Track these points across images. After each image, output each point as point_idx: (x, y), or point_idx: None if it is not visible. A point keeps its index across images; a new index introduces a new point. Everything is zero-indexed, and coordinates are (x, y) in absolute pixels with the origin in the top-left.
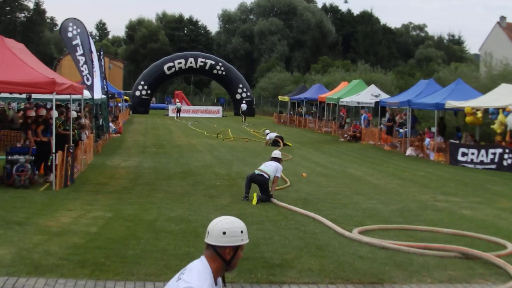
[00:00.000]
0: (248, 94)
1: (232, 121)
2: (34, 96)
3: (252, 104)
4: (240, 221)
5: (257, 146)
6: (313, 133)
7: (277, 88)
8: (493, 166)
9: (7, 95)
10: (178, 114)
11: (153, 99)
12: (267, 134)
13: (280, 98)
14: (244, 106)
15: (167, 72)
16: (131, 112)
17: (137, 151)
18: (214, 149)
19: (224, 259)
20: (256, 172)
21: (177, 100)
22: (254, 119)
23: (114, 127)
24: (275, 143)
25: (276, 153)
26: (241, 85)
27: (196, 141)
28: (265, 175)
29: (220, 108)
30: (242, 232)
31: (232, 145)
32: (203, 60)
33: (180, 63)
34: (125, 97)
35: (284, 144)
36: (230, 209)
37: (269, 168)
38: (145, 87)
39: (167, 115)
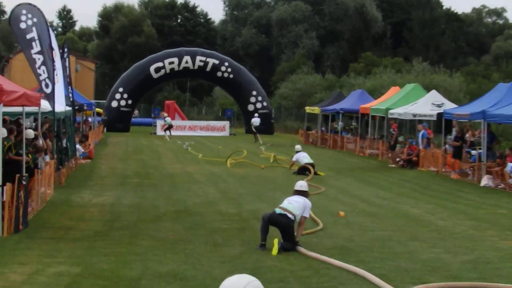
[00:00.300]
0: (265, 104)
1: (244, 141)
2: None
3: (270, 118)
4: (255, 280)
5: (277, 175)
6: (353, 156)
7: (304, 96)
8: None
9: None
10: (169, 132)
11: (136, 111)
12: (297, 151)
13: (308, 109)
14: (256, 121)
15: (155, 75)
16: (105, 129)
17: (114, 183)
18: (219, 179)
19: None
20: (277, 211)
21: (165, 114)
22: (273, 138)
23: (83, 150)
24: (301, 171)
25: (302, 184)
26: (254, 92)
27: (194, 168)
28: (289, 215)
29: (227, 123)
30: None
31: (243, 173)
32: (203, 59)
33: (172, 63)
34: (97, 109)
35: (315, 173)
36: (242, 262)
37: (295, 205)
38: (125, 95)
39: (155, 133)
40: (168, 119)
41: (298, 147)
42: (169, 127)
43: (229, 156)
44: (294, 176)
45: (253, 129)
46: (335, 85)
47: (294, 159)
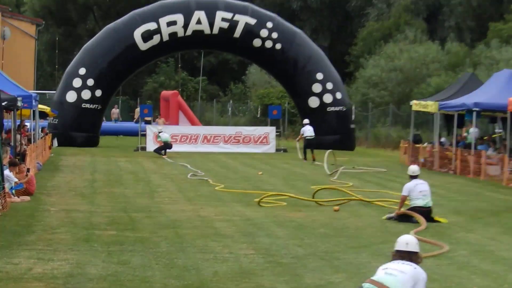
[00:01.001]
0: (338, 96)
1: (300, 162)
2: None
3: (348, 121)
4: None
5: (362, 220)
6: (498, 188)
7: (408, 83)
8: None
9: None
10: (164, 152)
11: (115, 111)
12: (412, 175)
13: (416, 105)
14: (309, 130)
15: (143, 46)
16: (55, 142)
17: (73, 238)
18: (258, 229)
19: None
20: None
21: (161, 122)
22: (353, 155)
23: (17, 180)
24: (403, 218)
25: (410, 241)
26: (320, 75)
27: (213, 211)
28: None
29: (271, 131)
30: None
31: (300, 219)
32: (229, 15)
33: (172, 23)
34: (41, 106)
35: (431, 219)
36: None
37: (398, 277)
38: (90, 82)
39: (142, 148)
40: (165, 135)
41: (413, 168)
42: (165, 147)
43: (317, 190)
44: (391, 224)
45: (304, 146)
46: (464, 61)
47: (405, 191)
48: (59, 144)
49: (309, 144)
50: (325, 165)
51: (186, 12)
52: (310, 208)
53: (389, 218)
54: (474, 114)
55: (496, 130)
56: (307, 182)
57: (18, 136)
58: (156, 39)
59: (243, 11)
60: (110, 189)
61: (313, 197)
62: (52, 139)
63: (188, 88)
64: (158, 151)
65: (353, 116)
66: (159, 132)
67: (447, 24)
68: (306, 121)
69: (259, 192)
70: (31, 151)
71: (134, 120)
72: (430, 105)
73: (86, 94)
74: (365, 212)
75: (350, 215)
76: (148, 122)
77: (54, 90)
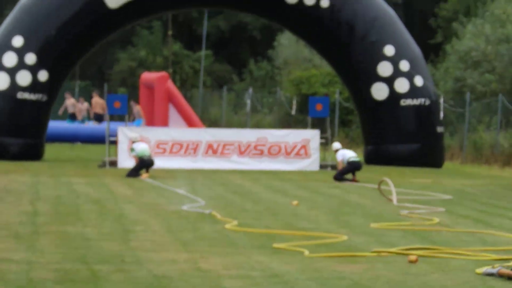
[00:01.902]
0: (419, 83)
1: (357, 187)
2: None
3: (434, 119)
4: None
5: (455, 278)
6: None
7: None
8: None
9: None
10: (145, 171)
11: (81, 105)
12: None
13: None
14: (349, 152)
15: (111, 3)
16: None
17: None
18: None
19: None
20: None
21: (134, 104)
22: (439, 174)
23: None
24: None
25: None
26: (391, 50)
27: (221, 261)
28: None
29: (314, 135)
30: None
31: (355, 276)
32: None
33: None
34: None
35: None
36: None
37: None
38: (30, 58)
39: (106, 164)
40: (140, 147)
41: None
42: (142, 165)
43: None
44: (494, 283)
45: (349, 170)
46: None
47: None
48: None
49: (356, 168)
50: (392, 191)
51: None
52: (370, 257)
53: (489, 274)
54: None
55: None
56: (366, 218)
57: None
58: None
59: None
60: (60, 227)
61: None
62: None
63: (183, 69)
64: (133, 174)
65: (441, 114)
66: (133, 142)
67: None
68: (337, 145)
69: (293, 234)
70: None
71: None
72: None
73: (24, 78)
74: (457, 264)
75: (433, 269)
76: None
77: None
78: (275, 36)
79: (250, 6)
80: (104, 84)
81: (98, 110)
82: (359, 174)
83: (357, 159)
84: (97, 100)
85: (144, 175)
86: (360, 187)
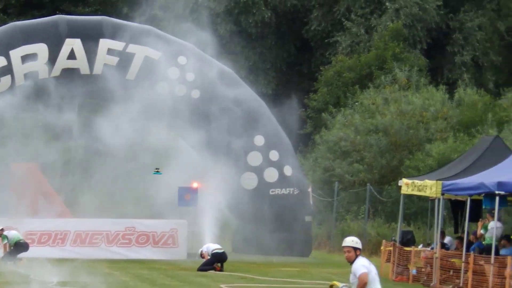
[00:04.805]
0: (288, 172)
1: (229, 278)
2: None
3: (304, 210)
4: None
5: None
6: None
7: (395, 151)
8: None
9: None
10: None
11: None
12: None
13: (407, 185)
14: (213, 244)
15: None
16: None
17: None
18: None
19: None
20: None
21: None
22: (304, 265)
23: None
24: None
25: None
26: (260, 140)
27: None
28: None
29: (182, 224)
30: None
31: None
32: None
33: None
34: None
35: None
36: None
37: None
38: None
39: None
40: (12, 234)
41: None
42: (18, 250)
43: None
44: None
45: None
46: (484, 118)
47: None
48: None
49: (219, 260)
50: None
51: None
52: None
53: None
54: (497, 200)
55: None
56: None
57: None
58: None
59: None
60: None
61: None
62: None
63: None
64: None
65: (310, 203)
66: (1, 230)
67: (459, 59)
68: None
69: None
70: None
71: None
72: (429, 186)
73: None
74: None
75: None
76: None
77: None
78: None
79: None
80: None
81: None
82: (226, 262)
83: (221, 250)
84: None
85: (22, 261)
86: (227, 275)
